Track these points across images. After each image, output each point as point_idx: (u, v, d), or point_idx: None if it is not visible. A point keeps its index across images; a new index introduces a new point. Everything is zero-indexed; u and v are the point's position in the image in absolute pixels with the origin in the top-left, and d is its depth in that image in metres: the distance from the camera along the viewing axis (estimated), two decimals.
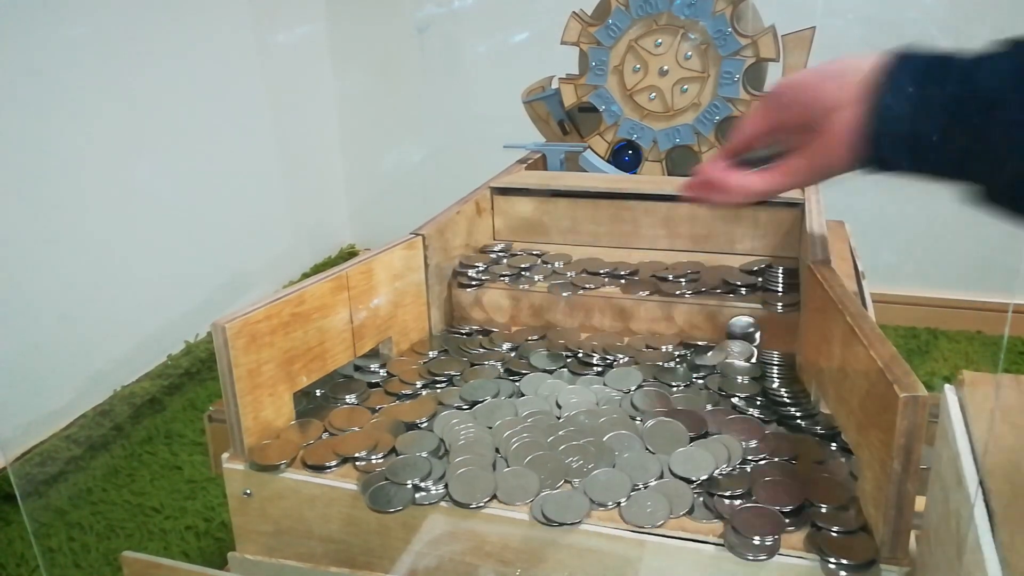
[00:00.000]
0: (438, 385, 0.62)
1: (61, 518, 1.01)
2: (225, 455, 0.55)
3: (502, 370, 0.64)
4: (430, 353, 0.68)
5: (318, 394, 0.62)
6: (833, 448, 0.53)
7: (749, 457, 0.51)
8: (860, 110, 0.48)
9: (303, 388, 0.59)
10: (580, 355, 0.66)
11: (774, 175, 0.57)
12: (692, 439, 0.53)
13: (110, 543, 0.97)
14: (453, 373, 0.63)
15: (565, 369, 0.64)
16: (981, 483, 0.34)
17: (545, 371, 0.64)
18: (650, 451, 0.52)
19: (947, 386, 0.42)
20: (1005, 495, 0.34)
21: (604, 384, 0.61)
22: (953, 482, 0.37)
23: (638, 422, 0.56)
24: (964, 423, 0.39)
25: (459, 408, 0.59)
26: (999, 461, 0.36)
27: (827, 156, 0.51)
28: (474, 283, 0.74)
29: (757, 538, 0.44)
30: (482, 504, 0.48)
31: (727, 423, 0.55)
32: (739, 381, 0.61)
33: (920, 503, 0.43)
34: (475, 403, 0.59)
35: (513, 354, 0.67)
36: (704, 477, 0.49)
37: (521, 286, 0.73)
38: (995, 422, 0.38)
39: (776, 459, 0.51)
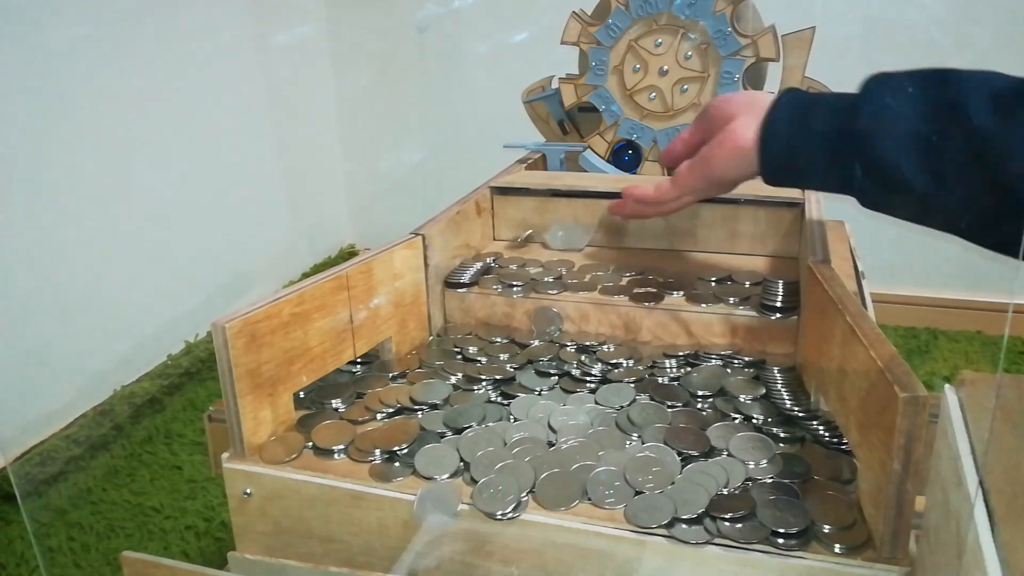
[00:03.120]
0: (419, 410, 0.59)
1: (61, 518, 1.01)
2: (225, 455, 0.55)
3: (491, 391, 0.61)
4: (419, 369, 0.65)
5: (301, 395, 0.60)
6: (843, 455, 0.52)
7: (757, 477, 0.49)
8: (754, 124, 0.59)
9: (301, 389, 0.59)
10: (573, 372, 0.63)
11: (670, 180, 0.67)
12: (691, 458, 0.51)
13: (110, 543, 0.97)
14: (436, 401, 0.59)
15: (558, 387, 0.61)
16: (981, 483, 0.34)
17: (534, 391, 0.60)
18: (631, 487, 0.49)
19: (947, 386, 0.42)
20: (1006, 495, 0.34)
21: (596, 402, 0.58)
22: (953, 482, 0.37)
23: (635, 439, 0.54)
24: (964, 423, 0.39)
25: (441, 435, 0.55)
26: (999, 461, 0.36)
27: (718, 151, 0.61)
28: (464, 287, 0.73)
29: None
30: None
31: (734, 441, 0.53)
32: (743, 399, 0.58)
33: (920, 503, 0.43)
34: (459, 429, 0.55)
35: (501, 376, 0.62)
36: (663, 523, 0.46)
37: (515, 295, 0.72)
38: (996, 422, 0.38)
39: (785, 480, 0.49)
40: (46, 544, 0.97)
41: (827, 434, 0.54)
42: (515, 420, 0.57)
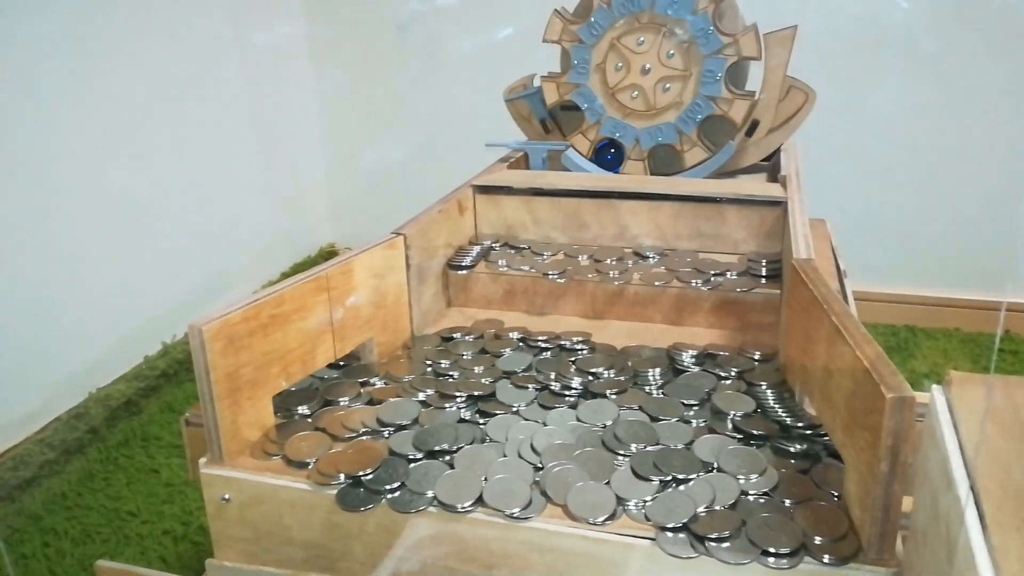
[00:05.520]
0: (386, 430, 0.56)
1: (35, 523, 0.99)
2: (202, 460, 0.54)
3: (466, 408, 0.58)
4: (388, 384, 0.62)
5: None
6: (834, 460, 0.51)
7: (748, 491, 0.48)
8: None
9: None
10: (552, 386, 0.61)
11: None
12: (680, 481, 0.49)
13: (86, 548, 0.95)
14: (405, 422, 0.56)
15: (536, 403, 0.59)
16: (972, 486, 0.34)
17: (511, 407, 0.58)
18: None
19: (934, 387, 0.41)
20: (996, 498, 0.34)
21: (578, 419, 0.56)
22: (942, 484, 0.36)
23: (621, 457, 0.51)
24: (953, 424, 0.38)
25: (411, 459, 0.52)
26: (988, 463, 0.35)
27: None
28: (465, 267, 0.78)
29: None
30: None
31: (723, 455, 0.51)
32: (731, 410, 0.57)
33: (906, 504, 0.42)
34: (430, 452, 0.52)
35: (477, 391, 0.60)
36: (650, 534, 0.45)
37: (503, 268, 0.78)
38: (986, 423, 0.37)
39: (776, 493, 0.48)
40: (20, 550, 0.95)
41: (816, 439, 0.53)
42: (491, 440, 0.54)
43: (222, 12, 1.52)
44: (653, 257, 0.79)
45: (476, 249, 0.81)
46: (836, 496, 0.48)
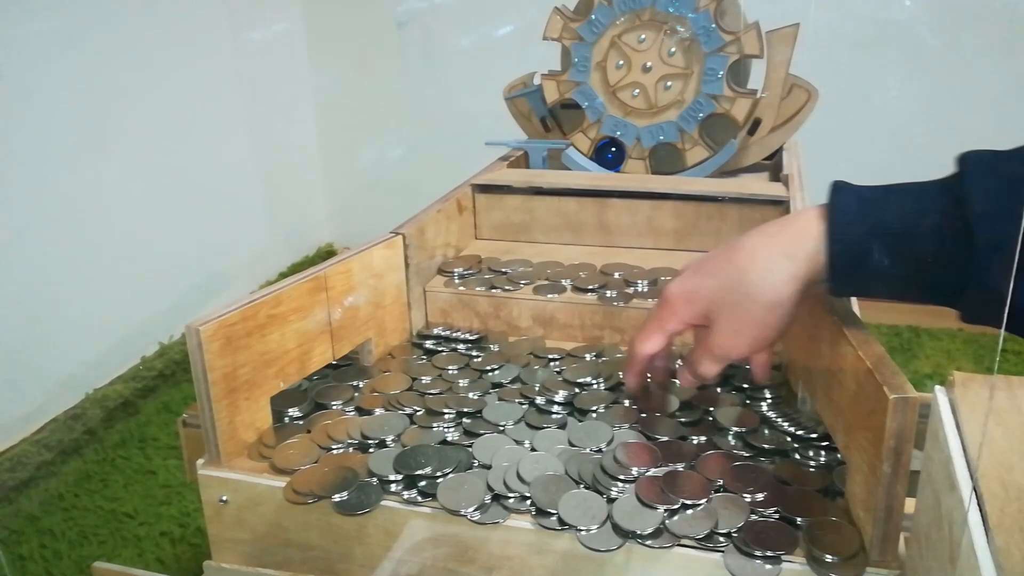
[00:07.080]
0: (369, 444, 0.54)
1: (32, 525, 0.98)
2: (200, 461, 0.53)
3: (452, 427, 0.55)
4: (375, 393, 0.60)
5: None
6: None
7: (757, 510, 0.47)
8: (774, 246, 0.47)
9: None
10: (539, 401, 0.58)
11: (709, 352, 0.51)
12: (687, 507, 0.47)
13: (83, 550, 0.94)
14: (388, 438, 0.54)
15: (523, 423, 0.56)
16: (975, 487, 0.34)
17: (498, 426, 0.55)
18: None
19: (938, 387, 0.41)
20: (999, 499, 0.33)
21: (570, 443, 0.53)
22: (945, 485, 0.36)
23: (620, 487, 0.49)
24: (956, 425, 0.38)
25: (388, 481, 0.50)
26: (992, 464, 0.35)
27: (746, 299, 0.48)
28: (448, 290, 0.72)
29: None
30: None
31: (727, 474, 0.49)
32: (732, 417, 0.55)
33: (909, 505, 0.42)
34: (410, 477, 0.50)
35: (465, 407, 0.57)
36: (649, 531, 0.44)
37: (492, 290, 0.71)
38: (989, 424, 0.37)
39: (784, 510, 0.46)
40: (17, 551, 0.95)
41: (826, 450, 0.52)
42: (479, 465, 0.51)
43: (219, 10, 1.52)
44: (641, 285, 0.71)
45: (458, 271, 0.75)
46: (832, 495, 0.48)
